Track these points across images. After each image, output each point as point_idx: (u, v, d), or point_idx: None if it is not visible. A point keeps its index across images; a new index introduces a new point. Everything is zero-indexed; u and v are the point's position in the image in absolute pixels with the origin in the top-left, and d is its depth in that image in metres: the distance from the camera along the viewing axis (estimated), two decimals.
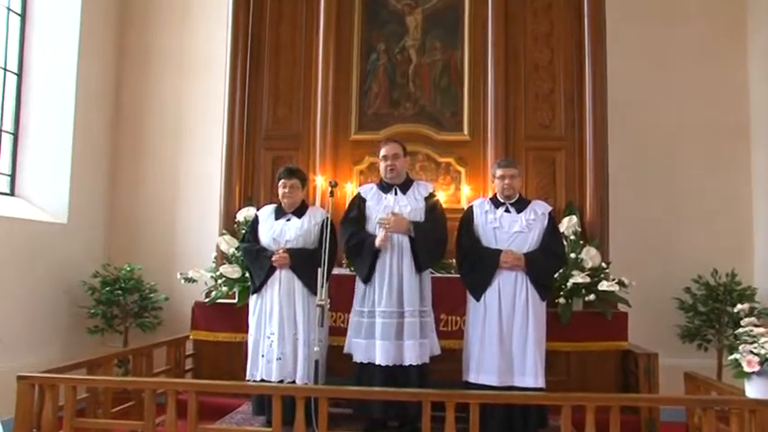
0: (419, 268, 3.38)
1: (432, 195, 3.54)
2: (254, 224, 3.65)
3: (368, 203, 3.49)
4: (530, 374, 3.23)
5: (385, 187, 3.53)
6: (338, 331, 3.79)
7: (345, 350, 3.42)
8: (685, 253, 4.80)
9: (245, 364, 3.51)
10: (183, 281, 4.33)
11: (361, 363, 3.34)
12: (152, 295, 4.87)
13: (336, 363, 3.61)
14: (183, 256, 5.03)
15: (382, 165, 3.51)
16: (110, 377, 3.51)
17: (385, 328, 3.28)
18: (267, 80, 4.70)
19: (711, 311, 4.58)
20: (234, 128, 4.61)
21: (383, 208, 3.45)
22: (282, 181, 3.55)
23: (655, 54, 5.01)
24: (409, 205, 3.44)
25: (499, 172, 3.47)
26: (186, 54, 5.31)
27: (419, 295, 3.37)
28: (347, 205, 3.69)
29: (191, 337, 4.20)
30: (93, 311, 4.71)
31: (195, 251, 4.94)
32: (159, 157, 5.29)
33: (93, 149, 5.10)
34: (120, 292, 4.71)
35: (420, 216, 3.43)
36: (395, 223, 3.33)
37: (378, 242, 3.34)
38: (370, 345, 3.32)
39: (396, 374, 3.27)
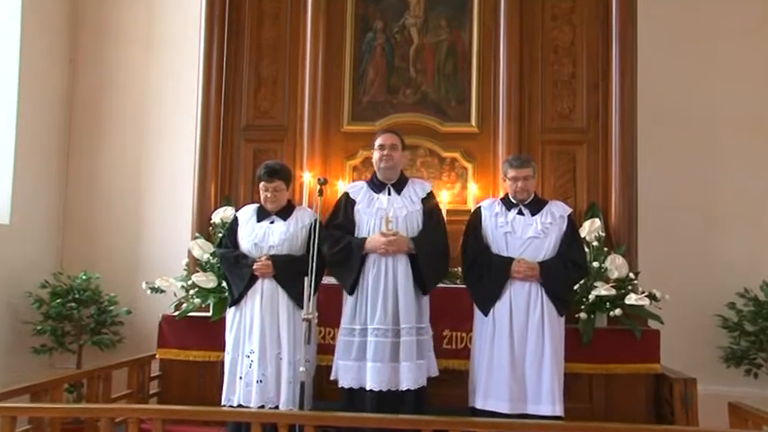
0: (425, 290, 3.42)
1: (430, 196, 3.57)
2: (232, 227, 3.68)
3: (357, 206, 3.52)
4: (546, 401, 3.25)
5: (377, 185, 3.56)
6: (327, 349, 3.81)
7: (333, 376, 3.44)
8: (729, 262, 4.82)
9: (221, 386, 3.53)
10: (148, 291, 4.34)
11: (351, 388, 3.35)
12: (112, 308, 4.88)
13: (325, 385, 3.64)
14: (149, 262, 5.06)
15: (377, 155, 3.53)
16: (58, 404, 3.48)
17: (378, 348, 3.30)
18: (248, 62, 4.73)
19: (761, 331, 4.57)
20: (209, 116, 4.65)
21: (375, 211, 3.48)
22: (263, 183, 3.56)
23: (692, 33, 5.02)
24: (405, 207, 3.48)
25: (511, 173, 3.48)
26: (153, 29, 5.35)
27: (417, 310, 3.40)
28: (332, 208, 3.70)
29: (157, 356, 4.21)
30: (40, 328, 4.69)
31: (163, 257, 4.95)
32: (121, 149, 5.31)
33: (42, 139, 5.10)
34: (73, 304, 4.72)
35: (417, 220, 3.47)
36: (396, 245, 3.35)
37: (374, 247, 3.35)
38: (362, 367, 3.34)
39: (390, 401, 3.29)
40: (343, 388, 3.39)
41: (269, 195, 3.56)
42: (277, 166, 3.63)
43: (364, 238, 3.42)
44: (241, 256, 3.55)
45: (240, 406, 3.41)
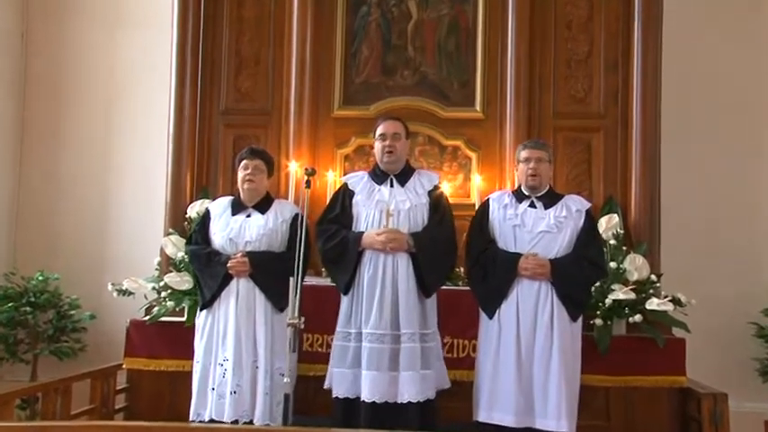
0: (427, 292, 3.41)
1: (437, 188, 3.57)
2: (204, 221, 3.66)
3: (356, 198, 3.51)
4: (552, 415, 3.22)
5: (379, 176, 3.55)
6: (313, 357, 3.81)
7: (326, 384, 3.43)
8: (765, 264, 4.81)
9: None
10: (115, 293, 4.32)
11: (346, 399, 3.33)
12: (73, 313, 4.87)
13: (312, 398, 3.64)
14: (116, 261, 5.04)
15: (378, 145, 3.53)
16: (7, 422, 3.36)
17: (373, 355, 3.29)
18: (227, 38, 4.70)
19: None
20: (184, 98, 4.62)
21: (375, 203, 3.47)
22: (244, 162, 3.57)
23: (723, 5, 4.98)
24: (409, 200, 3.47)
25: (524, 154, 3.50)
26: (121, 2, 5.32)
27: (420, 314, 3.38)
28: (329, 200, 3.70)
29: (124, 366, 4.19)
30: None
31: (132, 255, 4.95)
32: (84, 137, 5.28)
33: None
34: (28, 308, 4.70)
35: (422, 214, 3.46)
36: (395, 242, 3.34)
37: (371, 243, 3.34)
38: (357, 375, 3.32)
39: (389, 415, 3.27)
40: (337, 398, 3.37)
41: (248, 173, 3.54)
42: (259, 148, 3.69)
43: (361, 233, 3.41)
44: (214, 254, 3.53)
45: (212, 421, 3.39)
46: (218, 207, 3.66)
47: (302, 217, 3.34)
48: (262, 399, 3.36)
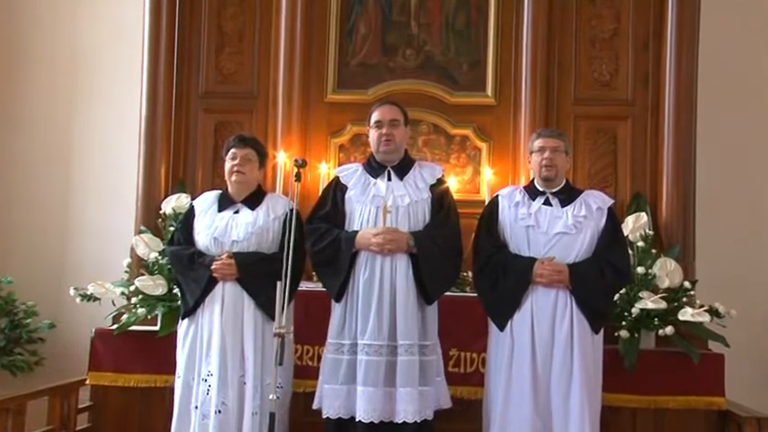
0: (429, 298, 3.43)
1: (441, 182, 3.60)
2: (187, 218, 3.67)
3: (349, 193, 3.54)
4: None
5: (374, 168, 3.57)
6: (306, 372, 3.83)
7: (315, 404, 3.44)
8: None
9: (170, 420, 3.50)
10: (78, 299, 4.33)
11: (338, 419, 3.35)
12: (29, 321, 4.86)
13: (302, 417, 3.66)
14: (79, 263, 5.05)
15: (374, 134, 3.55)
16: None
17: (370, 369, 3.31)
18: (207, 12, 4.73)
19: None
20: (157, 80, 4.64)
21: (371, 198, 3.49)
22: (232, 151, 3.56)
23: None
24: (408, 195, 3.49)
25: (538, 143, 3.51)
26: None
27: (420, 324, 3.40)
28: (319, 195, 3.74)
29: (88, 381, 4.20)
30: None
31: (98, 256, 4.96)
32: (44, 121, 5.28)
33: None
34: None
35: (423, 211, 3.49)
36: (393, 243, 3.36)
37: (366, 243, 3.37)
38: (351, 392, 3.35)
39: None
40: (329, 419, 3.39)
41: (237, 163, 3.54)
42: (250, 136, 3.71)
43: (355, 232, 3.44)
44: (197, 255, 3.53)
45: None
46: (204, 203, 3.66)
47: (292, 214, 3.35)
48: (249, 419, 3.35)
